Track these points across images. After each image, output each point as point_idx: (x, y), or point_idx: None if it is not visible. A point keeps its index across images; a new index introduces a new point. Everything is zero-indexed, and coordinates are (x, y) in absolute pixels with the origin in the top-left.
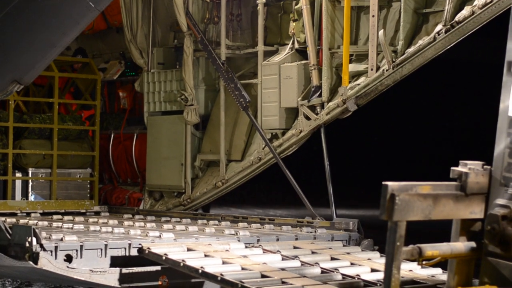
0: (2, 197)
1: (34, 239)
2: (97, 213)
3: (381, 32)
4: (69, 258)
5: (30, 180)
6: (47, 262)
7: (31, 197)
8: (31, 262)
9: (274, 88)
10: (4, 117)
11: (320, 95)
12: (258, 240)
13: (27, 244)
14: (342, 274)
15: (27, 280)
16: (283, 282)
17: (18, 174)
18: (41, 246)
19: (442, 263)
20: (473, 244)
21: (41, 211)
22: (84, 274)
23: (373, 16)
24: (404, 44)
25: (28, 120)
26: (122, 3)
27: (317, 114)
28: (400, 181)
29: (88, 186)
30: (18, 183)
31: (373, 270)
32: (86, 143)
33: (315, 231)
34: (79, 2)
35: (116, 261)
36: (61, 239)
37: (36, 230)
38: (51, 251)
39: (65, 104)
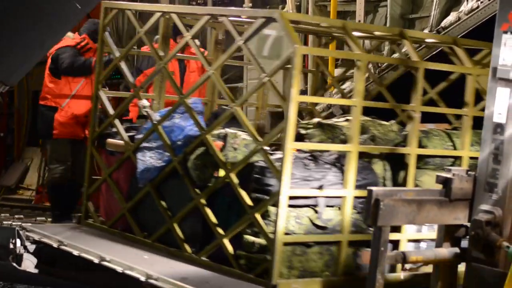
0: None
1: (18, 241)
2: None
3: None
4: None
5: None
6: (31, 264)
7: None
8: (14, 264)
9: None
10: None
11: None
12: None
13: (11, 246)
14: None
15: (11, 282)
16: None
17: None
18: (25, 248)
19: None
20: (457, 249)
21: None
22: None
23: (359, 21)
24: (390, 50)
25: None
26: None
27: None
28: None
29: None
30: None
31: None
32: None
33: None
34: (66, 4)
35: None
36: None
37: (20, 232)
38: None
39: None
